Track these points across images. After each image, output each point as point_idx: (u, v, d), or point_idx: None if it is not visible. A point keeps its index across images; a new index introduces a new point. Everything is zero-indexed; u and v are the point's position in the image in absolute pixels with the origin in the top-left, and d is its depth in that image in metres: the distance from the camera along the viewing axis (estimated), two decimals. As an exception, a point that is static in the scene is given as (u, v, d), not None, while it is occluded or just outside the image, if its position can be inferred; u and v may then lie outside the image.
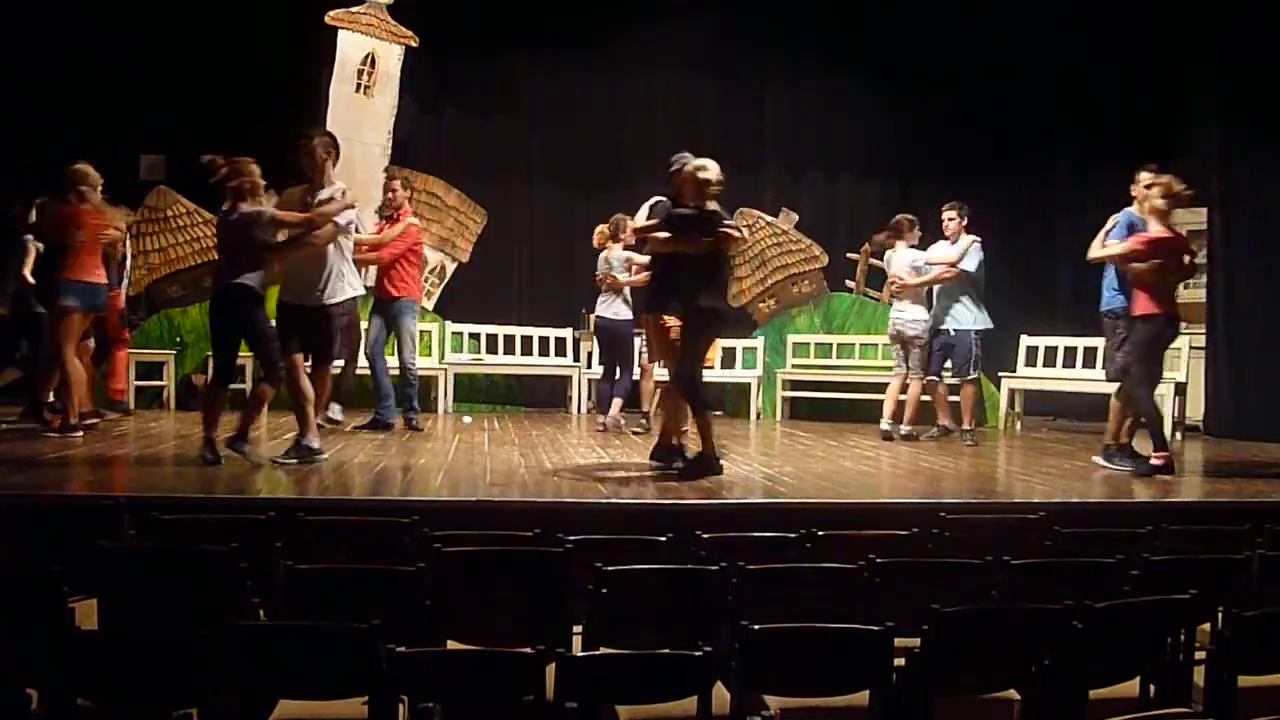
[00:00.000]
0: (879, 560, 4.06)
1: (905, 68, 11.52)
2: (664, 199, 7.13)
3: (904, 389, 9.29)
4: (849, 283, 11.69)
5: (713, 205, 6.64)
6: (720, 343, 10.43)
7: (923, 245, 9.45)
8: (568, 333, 11.45)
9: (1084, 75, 11.53)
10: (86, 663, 3.00)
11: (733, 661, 3.22)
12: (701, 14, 11.76)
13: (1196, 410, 10.20)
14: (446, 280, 11.44)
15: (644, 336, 8.84)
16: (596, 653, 3.55)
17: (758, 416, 11.21)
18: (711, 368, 8.51)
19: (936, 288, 9.19)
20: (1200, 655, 3.72)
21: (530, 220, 12.03)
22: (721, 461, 6.73)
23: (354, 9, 10.86)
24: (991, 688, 3.51)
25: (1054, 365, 10.62)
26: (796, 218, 11.63)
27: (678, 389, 6.88)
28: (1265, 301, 9.67)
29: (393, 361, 9.07)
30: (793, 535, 4.63)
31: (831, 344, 11.46)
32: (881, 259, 10.60)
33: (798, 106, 12.14)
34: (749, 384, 11.26)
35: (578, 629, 3.89)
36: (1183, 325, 7.52)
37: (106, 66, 10.59)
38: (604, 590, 3.79)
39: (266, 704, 3.22)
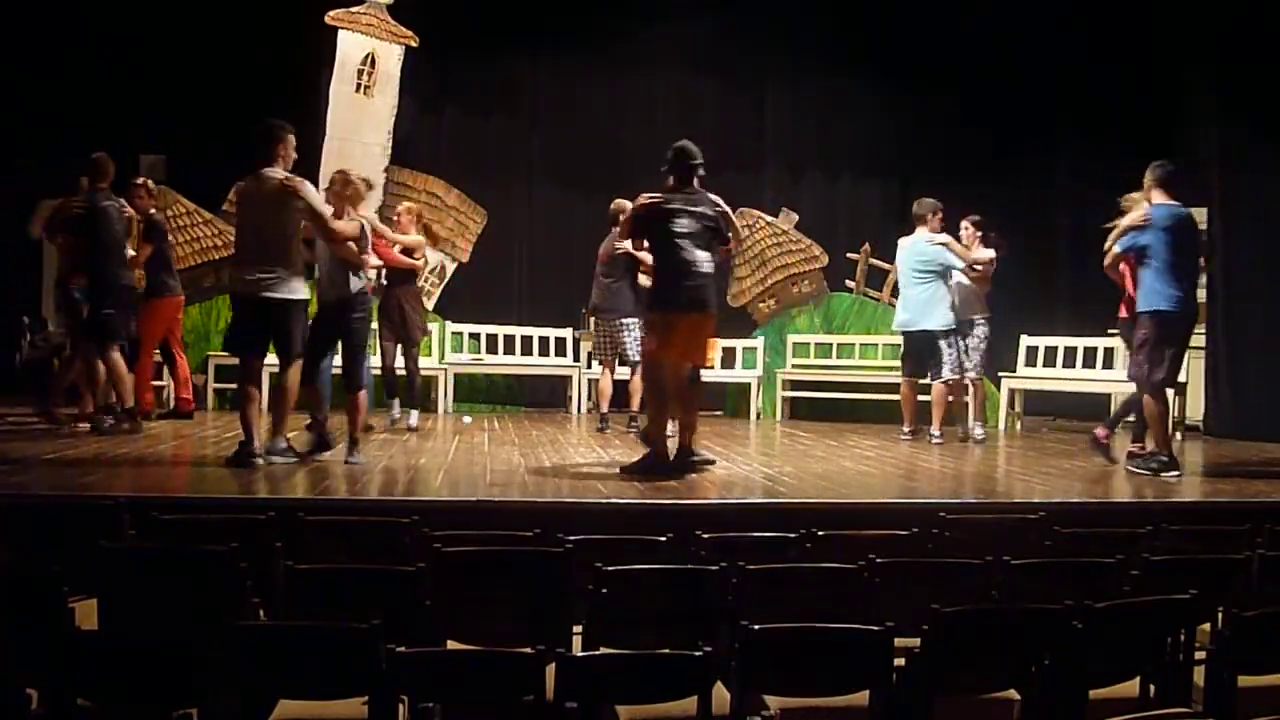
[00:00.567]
0: (879, 560, 4.06)
1: (905, 68, 11.51)
2: (657, 196, 7.14)
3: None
4: (849, 283, 11.69)
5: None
6: (720, 343, 10.42)
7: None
8: (568, 333, 11.45)
9: (1084, 75, 11.53)
10: (86, 663, 3.00)
11: (733, 661, 3.22)
12: (701, 14, 11.76)
13: (1196, 410, 10.20)
14: (446, 280, 11.44)
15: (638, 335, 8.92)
16: (596, 653, 3.55)
17: (758, 416, 11.21)
18: (711, 368, 8.42)
19: (952, 286, 9.10)
20: (1200, 655, 3.72)
21: (530, 220, 12.03)
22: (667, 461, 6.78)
23: (354, 9, 10.86)
24: (991, 688, 3.51)
25: (1054, 365, 10.62)
26: (796, 218, 11.64)
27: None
28: (1265, 301, 9.67)
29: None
30: (793, 535, 4.63)
31: (831, 344, 11.46)
32: (885, 259, 10.64)
33: (798, 106, 12.13)
34: (749, 384, 11.26)
35: (578, 629, 3.89)
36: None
37: (106, 66, 10.60)
38: (604, 590, 3.79)
39: (266, 704, 3.22)
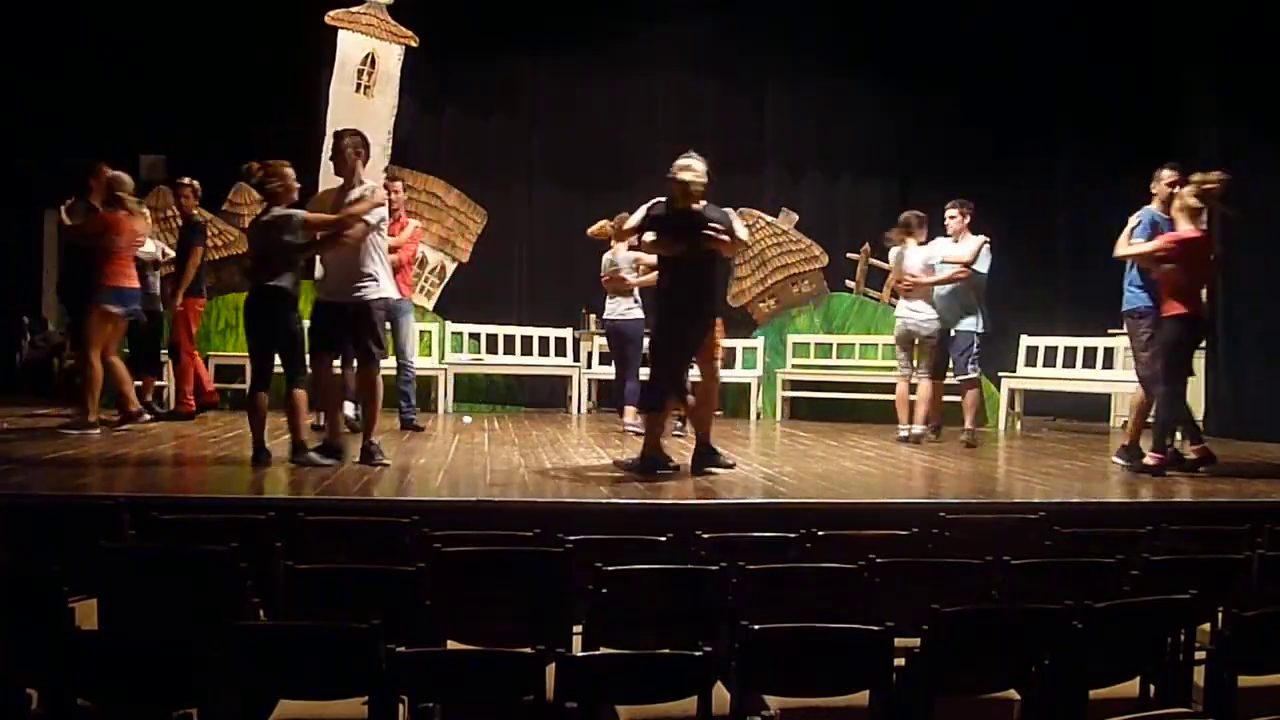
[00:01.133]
0: (879, 560, 4.06)
1: (905, 68, 11.52)
2: (663, 200, 7.12)
3: (912, 390, 9.17)
4: (849, 283, 11.69)
5: (698, 205, 6.62)
6: (721, 343, 10.41)
7: (925, 244, 9.40)
8: (568, 333, 11.46)
9: (1084, 75, 11.53)
10: (86, 663, 3.00)
11: (733, 661, 3.22)
12: (701, 14, 11.76)
13: (1197, 410, 10.18)
14: (446, 280, 11.44)
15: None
16: (596, 653, 3.55)
17: (758, 416, 11.21)
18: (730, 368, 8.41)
19: (940, 287, 9.12)
20: (1200, 655, 3.72)
21: (530, 220, 12.04)
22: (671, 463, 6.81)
23: (354, 9, 10.86)
24: (991, 688, 3.51)
25: (1054, 365, 10.62)
26: (796, 218, 11.64)
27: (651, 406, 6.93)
28: (1265, 301, 9.67)
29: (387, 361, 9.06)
30: (793, 535, 4.63)
31: (831, 344, 11.46)
32: (885, 258, 10.61)
33: (798, 106, 12.14)
34: (749, 384, 11.27)
35: (578, 629, 3.89)
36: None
37: (106, 66, 10.60)
38: (604, 590, 3.79)
39: (266, 704, 3.22)
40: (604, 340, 10.05)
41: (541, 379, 11.64)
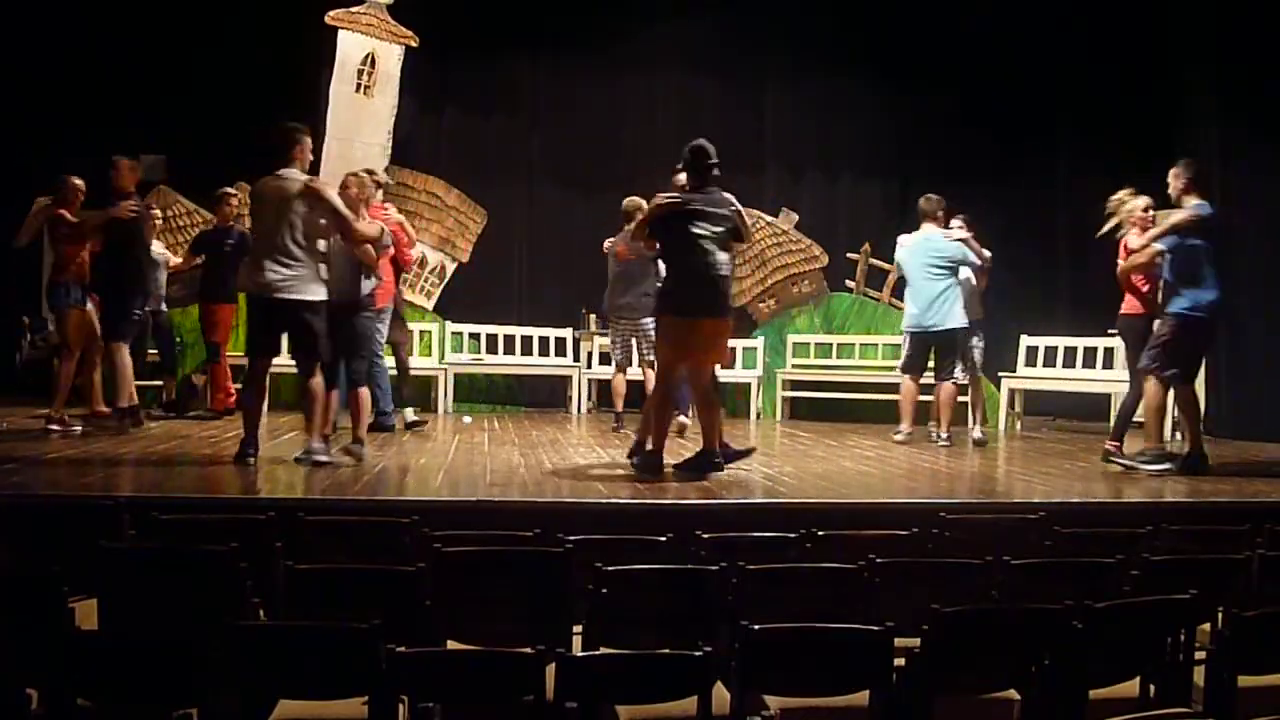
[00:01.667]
0: (879, 560, 4.06)
1: (905, 68, 11.52)
2: (675, 196, 7.12)
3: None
4: (849, 283, 11.69)
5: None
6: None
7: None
8: (568, 333, 11.46)
9: (1084, 75, 11.53)
10: (86, 663, 3.00)
11: (733, 661, 3.22)
12: (701, 14, 11.76)
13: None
14: (446, 280, 11.44)
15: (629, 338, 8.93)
16: (596, 653, 3.55)
17: (758, 416, 11.21)
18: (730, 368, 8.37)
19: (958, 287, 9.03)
20: (1200, 655, 3.72)
21: (530, 220, 12.03)
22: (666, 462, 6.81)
23: (354, 9, 10.86)
24: (991, 688, 3.51)
25: (1054, 365, 10.62)
26: (796, 218, 11.64)
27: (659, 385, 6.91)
28: (1265, 301, 9.67)
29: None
30: (793, 535, 4.63)
31: (831, 344, 11.46)
32: (885, 259, 10.63)
33: (798, 106, 12.14)
34: (749, 384, 11.26)
35: (578, 629, 3.89)
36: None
37: (106, 66, 10.59)
38: (604, 590, 3.79)
39: (266, 704, 3.22)
40: (608, 339, 10.01)
41: (541, 379, 11.64)
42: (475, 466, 6.94)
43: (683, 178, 7.01)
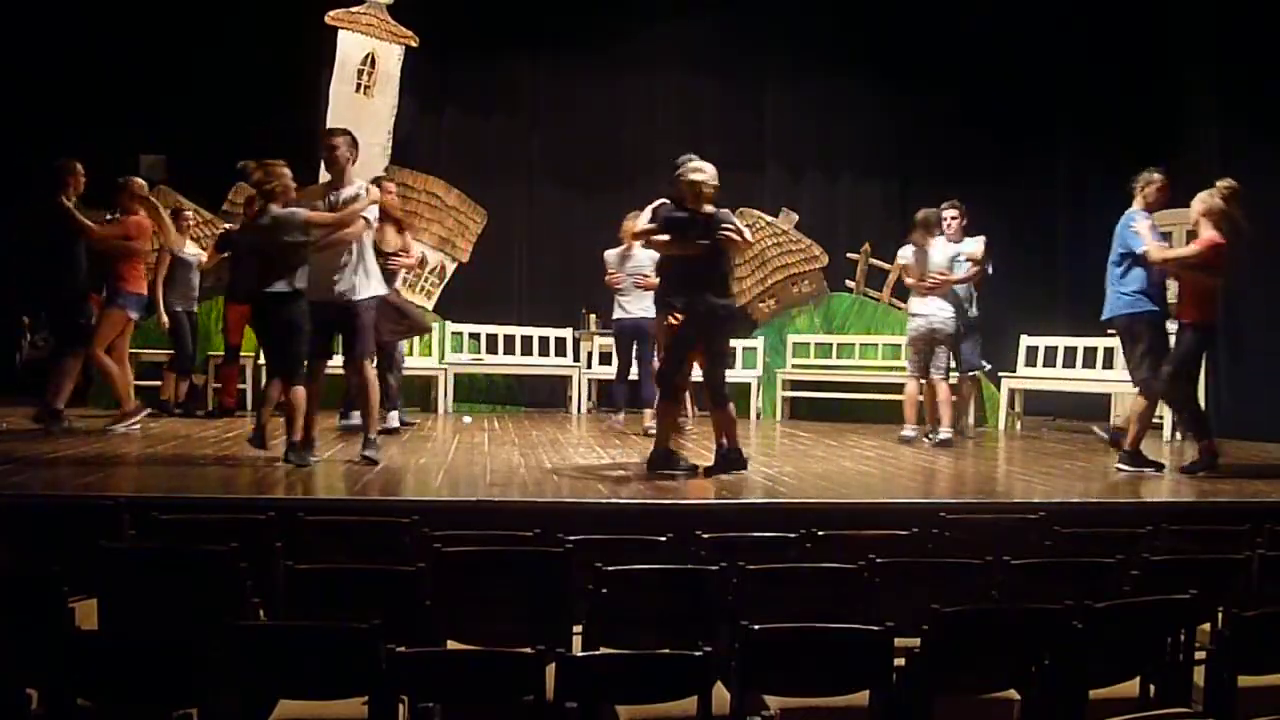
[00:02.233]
0: (879, 560, 4.06)
1: (905, 68, 11.52)
2: (667, 201, 7.12)
3: (921, 391, 9.11)
4: (849, 283, 11.69)
5: (709, 208, 6.67)
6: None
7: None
8: (568, 333, 11.46)
9: (1084, 75, 11.53)
10: (86, 663, 3.00)
11: (733, 661, 3.22)
12: (701, 14, 11.77)
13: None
14: (446, 280, 11.44)
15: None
16: (596, 653, 3.55)
17: (758, 416, 11.21)
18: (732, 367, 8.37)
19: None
20: (1200, 655, 3.72)
21: (530, 220, 12.04)
22: (688, 462, 6.84)
23: (354, 9, 10.87)
24: (991, 688, 3.51)
25: (1054, 365, 10.62)
26: (796, 218, 11.64)
27: (662, 385, 6.92)
28: (1265, 301, 9.66)
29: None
30: (793, 535, 4.63)
31: (831, 344, 11.46)
32: (887, 259, 10.62)
33: (798, 106, 12.14)
34: (749, 384, 11.26)
35: (578, 629, 3.89)
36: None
37: (106, 66, 10.60)
38: (604, 590, 3.79)
39: (266, 704, 3.22)
40: (609, 340, 10.02)
41: (541, 379, 11.64)
42: (475, 466, 6.94)
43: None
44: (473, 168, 11.61)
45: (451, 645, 3.70)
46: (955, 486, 6.98)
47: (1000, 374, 10.62)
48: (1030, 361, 10.76)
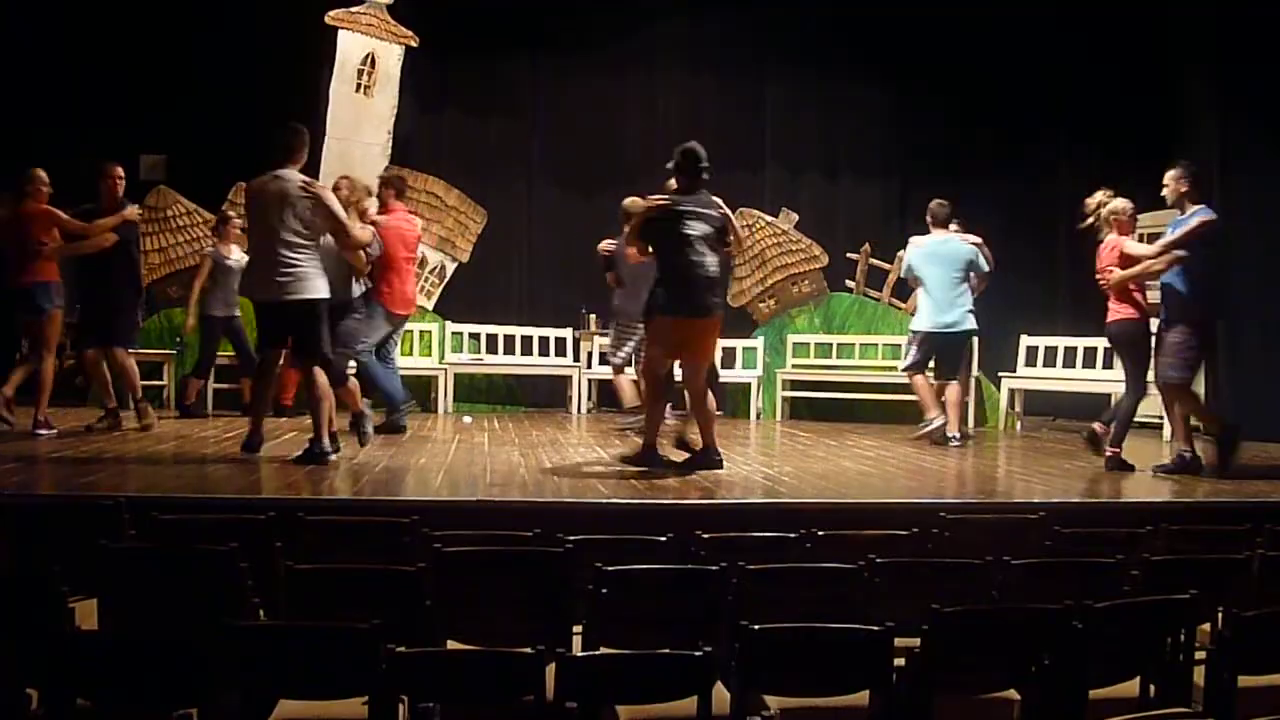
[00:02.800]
0: (879, 560, 4.06)
1: (905, 68, 11.52)
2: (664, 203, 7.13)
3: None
4: (849, 283, 11.69)
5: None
6: (720, 342, 10.41)
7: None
8: (568, 333, 11.46)
9: (1084, 75, 11.53)
10: (86, 663, 3.00)
11: (733, 661, 3.22)
12: (701, 14, 11.76)
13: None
14: (446, 280, 11.44)
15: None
16: (596, 653, 3.56)
17: (758, 416, 11.21)
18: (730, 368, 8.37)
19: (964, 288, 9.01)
20: (1200, 655, 3.72)
21: (530, 220, 12.03)
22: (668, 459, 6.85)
23: (354, 9, 10.86)
24: (991, 688, 3.52)
25: (1054, 365, 10.62)
26: (796, 218, 11.63)
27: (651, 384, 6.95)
28: (1265, 301, 9.67)
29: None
30: (793, 535, 4.63)
31: (831, 344, 11.46)
32: (885, 258, 10.61)
33: (798, 106, 12.13)
34: (749, 384, 11.26)
35: (578, 629, 3.89)
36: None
37: (106, 66, 10.60)
38: (604, 590, 3.79)
39: (266, 704, 3.22)
40: (607, 340, 10.02)
41: (541, 379, 11.64)
42: (475, 466, 6.94)
43: (674, 181, 7.01)
44: (473, 168, 11.61)
45: (451, 645, 3.70)
46: (955, 486, 6.98)
47: (1000, 374, 10.62)
48: (1030, 361, 10.76)
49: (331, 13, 10.78)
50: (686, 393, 7.10)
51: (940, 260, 8.85)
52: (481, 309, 11.40)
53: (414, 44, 10.99)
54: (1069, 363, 10.51)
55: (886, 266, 11.23)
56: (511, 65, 11.85)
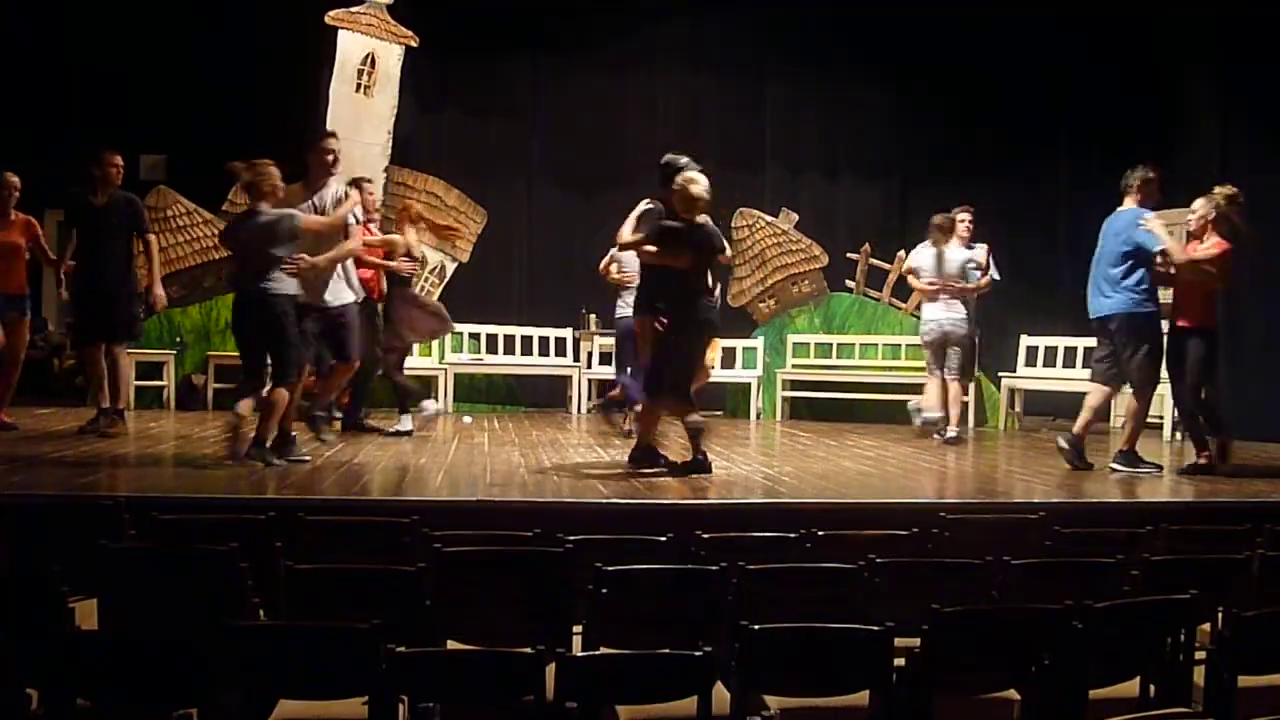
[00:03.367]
0: (879, 560, 4.06)
1: (905, 68, 11.52)
2: (654, 205, 7.14)
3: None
4: (849, 283, 11.69)
5: (701, 219, 6.68)
6: (720, 342, 10.42)
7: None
8: (568, 333, 11.45)
9: (1084, 75, 11.53)
10: (86, 663, 3.00)
11: (733, 661, 3.22)
12: (701, 14, 11.76)
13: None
14: (446, 280, 11.44)
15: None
16: (596, 653, 3.56)
17: (758, 416, 11.21)
18: (713, 367, 8.36)
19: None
20: (1200, 655, 3.72)
21: (530, 220, 12.03)
22: (710, 461, 6.79)
23: (354, 9, 10.86)
24: (991, 688, 3.52)
25: (1054, 365, 10.63)
26: (796, 218, 11.63)
27: (653, 393, 6.89)
28: (1265, 301, 9.66)
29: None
30: (793, 535, 4.63)
31: (831, 344, 11.46)
32: (886, 259, 10.60)
33: (798, 106, 12.13)
34: (749, 384, 11.26)
35: (578, 629, 3.89)
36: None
37: (107, 67, 10.60)
38: (604, 590, 3.79)
39: (266, 704, 3.22)
40: (609, 339, 10.01)
41: (541, 379, 11.64)
42: (475, 466, 6.94)
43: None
44: (473, 168, 11.60)
45: (451, 645, 3.70)
46: (955, 486, 6.99)
47: (1000, 374, 10.62)
48: (1030, 361, 10.76)
49: (331, 13, 10.78)
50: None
51: (963, 264, 9.13)
52: (481, 309, 11.39)
53: (414, 44, 10.98)
54: (1069, 363, 10.51)
55: (886, 266, 11.23)
56: (511, 65, 11.85)
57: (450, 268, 11.41)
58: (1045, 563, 4.35)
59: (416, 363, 10.88)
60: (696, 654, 3.04)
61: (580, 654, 3.45)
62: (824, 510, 5.61)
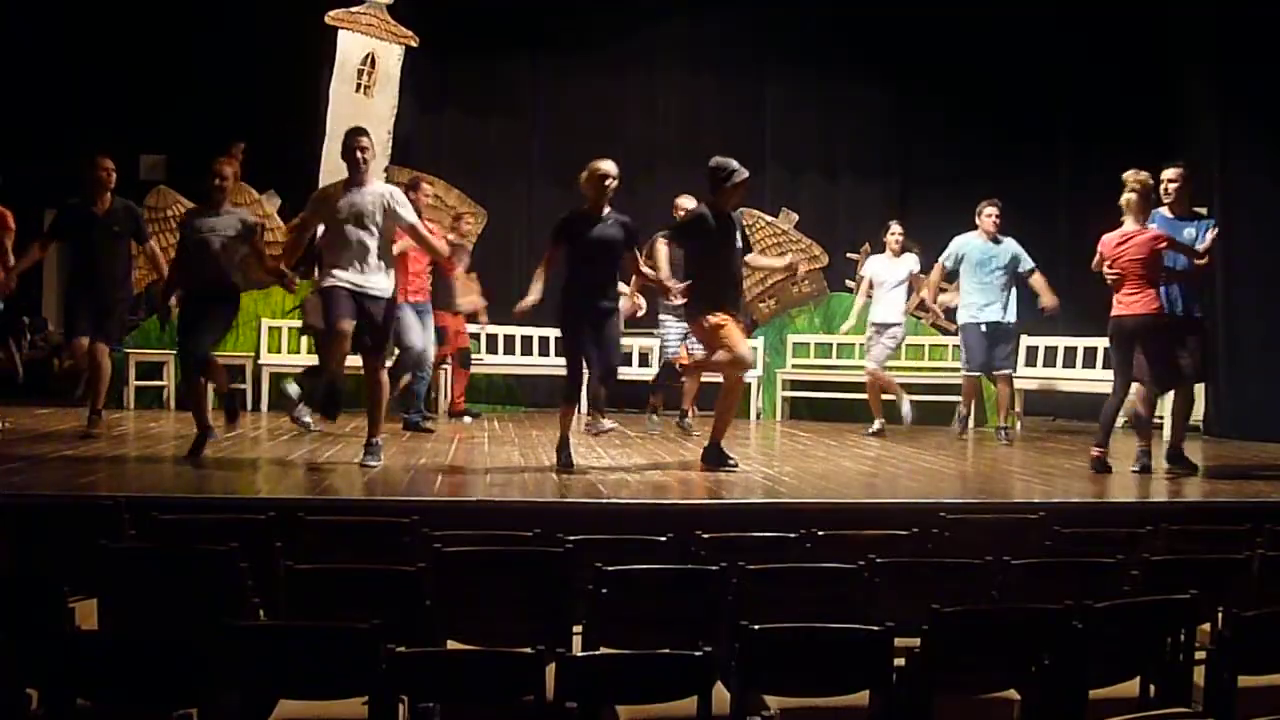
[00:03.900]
0: (879, 560, 4.06)
1: (905, 68, 11.52)
2: (668, 233, 7.33)
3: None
4: (849, 283, 11.68)
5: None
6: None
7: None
8: (568, 333, 11.43)
9: (1084, 75, 11.53)
10: (86, 663, 3.00)
11: (733, 661, 3.22)
12: (701, 14, 11.76)
13: (1197, 410, 10.17)
14: (446, 280, 11.43)
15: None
16: (596, 653, 3.56)
17: (758, 416, 11.21)
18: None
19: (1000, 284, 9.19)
20: (1200, 655, 3.72)
21: (530, 220, 12.02)
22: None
23: (354, 9, 10.85)
24: (991, 688, 3.52)
25: (1054, 365, 10.62)
26: (796, 218, 11.63)
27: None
28: (1265, 301, 9.67)
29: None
30: (793, 535, 4.63)
31: (831, 344, 11.46)
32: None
33: (798, 106, 12.13)
34: (749, 384, 11.25)
35: (578, 629, 3.89)
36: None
37: (107, 67, 10.60)
38: (604, 590, 3.79)
39: (266, 704, 3.22)
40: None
41: (541, 379, 11.62)
42: (475, 466, 6.94)
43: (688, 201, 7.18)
44: (473, 168, 11.60)
45: (451, 645, 3.70)
46: (955, 486, 6.98)
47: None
48: (1030, 361, 10.76)
49: (331, 13, 10.77)
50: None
51: (999, 257, 9.32)
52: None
53: (414, 44, 10.98)
54: (1069, 363, 10.50)
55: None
56: (511, 65, 11.84)
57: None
58: (1045, 563, 4.36)
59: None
60: (696, 654, 3.04)
61: (580, 654, 3.45)
62: (824, 510, 5.60)
